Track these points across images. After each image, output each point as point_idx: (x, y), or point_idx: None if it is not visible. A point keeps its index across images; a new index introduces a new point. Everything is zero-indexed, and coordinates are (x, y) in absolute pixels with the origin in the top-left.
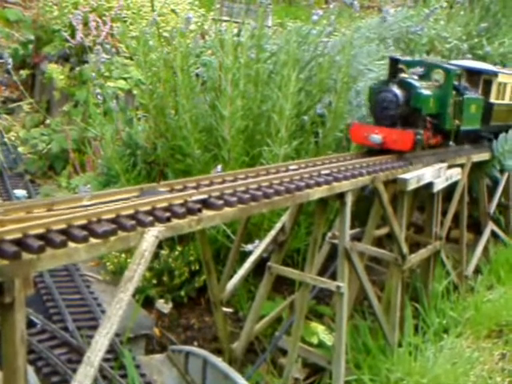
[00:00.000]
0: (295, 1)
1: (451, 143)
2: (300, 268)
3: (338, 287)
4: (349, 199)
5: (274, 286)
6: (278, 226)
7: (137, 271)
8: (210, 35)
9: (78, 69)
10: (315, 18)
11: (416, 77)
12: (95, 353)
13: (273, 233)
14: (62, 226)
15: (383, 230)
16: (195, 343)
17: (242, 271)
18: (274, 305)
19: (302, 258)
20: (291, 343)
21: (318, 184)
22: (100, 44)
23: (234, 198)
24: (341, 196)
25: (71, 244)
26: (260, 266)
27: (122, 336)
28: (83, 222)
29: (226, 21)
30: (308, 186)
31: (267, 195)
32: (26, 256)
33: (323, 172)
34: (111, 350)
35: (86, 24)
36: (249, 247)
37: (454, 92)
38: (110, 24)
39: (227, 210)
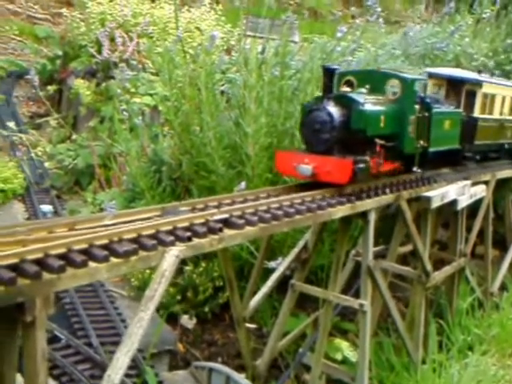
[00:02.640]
0: (322, 16)
1: (415, 169)
2: (324, 285)
3: (361, 305)
4: (372, 218)
5: (298, 302)
6: (301, 243)
7: (157, 290)
8: (236, 51)
9: (104, 84)
10: (339, 35)
11: (365, 90)
12: (116, 371)
13: (296, 250)
14: (84, 245)
15: (408, 247)
16: (219, 359)
17: (264, 289)
18: (297, 321)
19: (326, 274)
20: (315, 359)
21: (341, 203)
22: (126, 60)
23: (255, 217)
24: (364, 214)
25: (92, 263)
26: (284, 282)
27: (146, 352)
28: (104, 241)
29: (250, 36)
30: (330, 205)
31: (288, 214)
32: (46, 276)
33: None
34: (134, 366)
35: (112, 40)
36: (272, 264)
37: (416, 106)
38: (136, 40)
39: (248, 229)
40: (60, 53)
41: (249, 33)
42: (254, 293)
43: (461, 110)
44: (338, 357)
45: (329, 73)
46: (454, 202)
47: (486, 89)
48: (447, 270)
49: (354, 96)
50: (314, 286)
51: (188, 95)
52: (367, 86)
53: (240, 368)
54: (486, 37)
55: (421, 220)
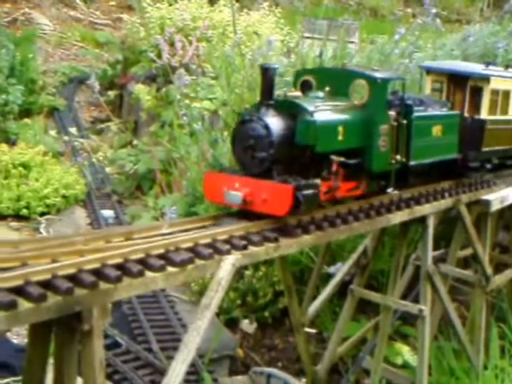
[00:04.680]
0: (382, 15)
1: (390, 190)
2: (385, 289)
3: (421, 310)
4: (431, 222)
5: (358, 307)
6: (361, 248)
7: (214, 298)
8: (295, 53)
9: (164, 89)
10: (397, 37)
11: (321, 93)
12: (172, 379)
13: (355, 256)
14: (140, 255)
15: (468, 251)
16: (279, 364)
17: (323, 295)
18: (358, 326)
19: (386, 279)
20: (375, 364)
21: (399, 208)
22: (185, 65)
23: (312, 226)
24: (422, 219)
25: (148, 273)
26: (345, 287)
27: (205, 357)
28: (161, 251)
29: (309, 37)
30: (388, 211)
31: (346, 221)
32: (103, 285)
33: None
34: (194, 371)
35: (172, 44)
36: (331, 270)
37: (390, 113)
38: (195, 44)
39: (305, 237)
40: (120, 58)
41: (307, 34)
42: (314, 298)
43: (457, 111)
44: (398, 361)
45: (268, 73)
46: None
47: (496, 84)
48: (508, 274)
49: (302, 102)
50: (375, 290)
51: (247, 99)
52: (327, 89)
53: (300, 373)
54: None
55: (480, 223)
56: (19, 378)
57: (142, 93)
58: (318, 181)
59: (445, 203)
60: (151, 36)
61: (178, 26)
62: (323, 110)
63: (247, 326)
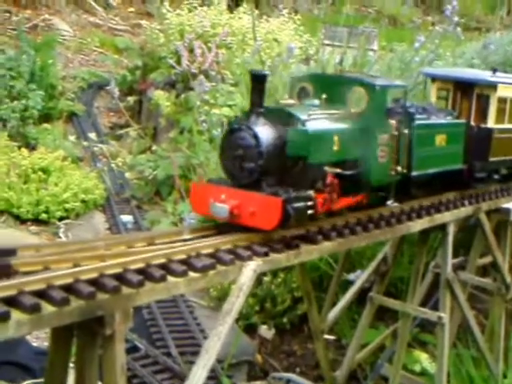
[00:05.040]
0: (401, 23)
1: (390, 202)
2: (404, 296)
3: (440, 318)
4: (451, 230)
5: (377, 314)
6: (380, 256)
7: (235, 305)
8: (315, 61)
9: (183, 96)
10: (417, 45)
11: (317, 101)
12: None
13: (375, 263)
14: (162, 260)
15: (488, 259)
16: (297, 370)
17: (343, 302)
18: (376, 333)
19: (405, 286)
20: (393, 371)
21: (419, 216)
22: (205, 71)
23: (333, 233)
24: (442, 227)
25: (170, 278)
26: (364, 294)
27: (224, 362)
28: (182, 256)
29: (329, 45)
30: (409, 218)
31: (366, 229)
32: (125, 290)
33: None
34: (213, 376)
35: (191, 51)
36: (351, 277)
37: (391, 121)
38: (215, 51)
39: (326, 244)
40: (140, 64)
41: (327, 42)
42: (333, 304)
43: (463, 120)
44: (417, 368)
45: (259, 79)
46: None
47: (504, 92)
48: None
49: (294, 110)
50: (394, 297)
51: None
52: (324, 96)
53: (318, 379)
54: None
55: (500, 231)
56: (39, 380)
57: (162, 99)
58: (311, 193)
59: (465, 211)
60: (170, 42)
61: (198, 32)
62: (317, 119)
63: (266, 331)
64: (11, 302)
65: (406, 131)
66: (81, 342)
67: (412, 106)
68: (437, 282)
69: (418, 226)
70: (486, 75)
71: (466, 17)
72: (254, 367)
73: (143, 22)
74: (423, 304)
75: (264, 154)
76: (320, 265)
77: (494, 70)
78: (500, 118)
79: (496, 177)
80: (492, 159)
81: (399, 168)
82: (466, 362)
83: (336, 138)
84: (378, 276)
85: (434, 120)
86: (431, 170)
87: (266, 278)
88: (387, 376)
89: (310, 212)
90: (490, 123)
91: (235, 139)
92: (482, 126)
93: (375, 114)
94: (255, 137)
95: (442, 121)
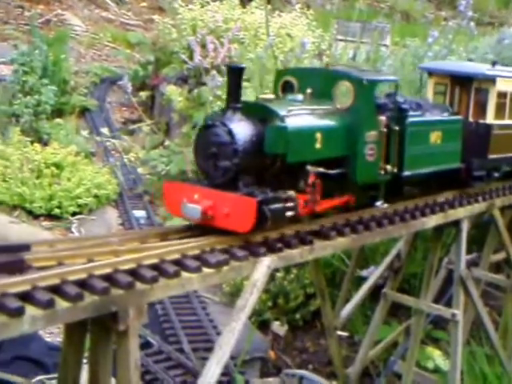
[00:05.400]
0: (414, 18)
1: (379, 203)
2: (417, 292)
3: (453, 315)
4: (465, 226)
5: (390, 310)
6: (394, 252)
7: (249, 301)
8: (327, 56)
9: (196, 91)
10: (430, 40)
11: (300, 97)
12: (207, 380)
13: (389, 259)
14: (176, 256)
15: (502, 255)
16: (310, 366)
17: (356, 298)
18: (389, 329)
19: (418, 282)
20: (406, 368)
21: (433, 211)
22: (217, 66)
23: (347, 228)
24: (456, 223)
25: (184, 274)
26: (377, 290)
27: (237, 359)
28: (196, 252)
29: (341, 40)
30: (423, 214)
31: (381, 224)
32: (139, 286)
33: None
34: (226, 373)
35: (203, 46)
36: (364, 273)
37: (380, 118)
38: (227, 46)
39: (340, 240)
40: (152, 59)
41: (340, 37)
42: (346, 301)
43: (460, 116)
44: (430, 365)
45: (235, 73)
46: None
47: (503, 85)
48: None
49: (272, 106)
50: (407, 293)
51: None
52: (309, 91)
53: (331, 375)
54: None
55: None
56: (52, 375)
57: (174, 94)
58: (291, 193)
59: (478, 207)
60: (183, 37)
61: (210, 27)
62: (298, 115)
63: (278, 328)
64: (25, 297)
65: (396, 128)
66: (94, 337)
67: (405, 102)
68: (450, 279)
69: (432, 221)
70: (484, 69)
71: (479, 11)
72: (266, 363)
73: (155, 17)
74: (436, 300)
75: (239, 151)
76: (333, 261)
77: (494, 63)
78: (500, 113)
79: (496, 175)
80: (491, 156)
81: (389, 167)
82: (479, 359)
83: (319, 135)
84: (392, 272)
85: (428, 116)
86: (425, 170)
87: (279, 274)
88: (400, 373)
89: (290, 214)
90: (489, 119)
91: (209, 136)
92: (481, 121)
93: (363, 109)
94: (230, 133)
95: (438, 117)
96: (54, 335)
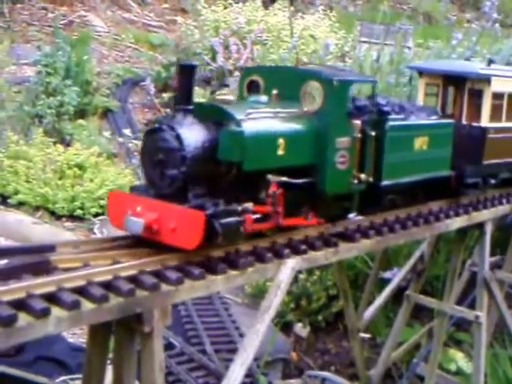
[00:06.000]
0: (436, 20)
1: (352, 216)
2: (439, 295)
3: (477, 317)
4: (488, 229)
5: (412, 312)
6: (417, 254)
7: (273, 302)
8: (350, 57)
9: (218, 92)
10: (454, 42)
11: (264, 98)
12: (231, 382)
13: (412, 261)
14: (201, 258)
15: None
16: (332, 368)
17: (379, 300)
18: (412, 331)
19: (441, 284)
20: (429, 370)
21: (457, 214)
22: (240, 68)
23: (372, 230)
24: (480, 225)
25: (209, 276)
26: (400, 292)
27: (260, 360)
28: (221, 254)
29: (365, 42)
30: (447, 216)
31: (405, 226)
32: (164, 287)
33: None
34: (249, 374)
35: (226, 47)
36: (387, 275)
37: (353, 122)
38: (250, 47)
39: (364, 242)
40: (174, 60)
41: (363, 39)
42: (369, 303)
43: (452, 120)
44: (452, 367)
45: (186, 72)
46: None
47: (499, 86)
48: None
49: (229, 108)
50: (430, 296)
51: None
52: (275, 92)
53: (353, 377)
54: None
55: None
56: (75, 376)
57: (197, 96)
58: (248, 205)
59: (502, 209)
60: (206, 39)
61: (233, 29)
62: (257, 119)
63: (300, 329)
64: (51, 298)
65: (372, 133)
66: (119, 338)
67: (387, 104)
68: (473, 281)
69: (456, 224)
70: (477, 68)
71: (502, 13)
72: (288, 365)
73: (178, 19)
74: (459, 303)
75: (188, 158)
76: (356, 263)
77: (490, 62)
78: (496, 115)
79: (493, 182)
80: (487, 162)
81: (363, 176)
82: (502, 361)
83: (281, 141)
84: (415, 274)
85: (412, 120)
86: (408, 179)
87: (302, 276)
88: (423, 375)
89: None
90: (484, 121)
91: (156, 141)
92: (475, 124)
93: (333, 113)
94: (178, 138)
95: (424, 121)
96: (76, 336)
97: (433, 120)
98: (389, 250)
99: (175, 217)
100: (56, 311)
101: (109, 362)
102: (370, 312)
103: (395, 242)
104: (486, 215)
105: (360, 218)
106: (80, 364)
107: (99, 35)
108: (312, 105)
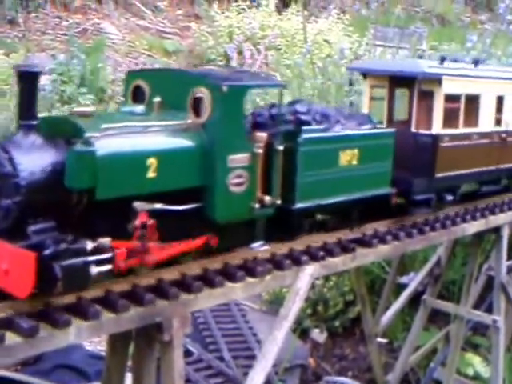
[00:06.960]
0: (449, 22)
1: (256, 245)
2: (456, 299)
3: (495, 321)
4: (505, 232)
5: (429, 316)
6: (434, 258)
7: (292, 309)
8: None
9: None
10: (469, 45)
11: (138, 109)
12: None
13: (428, 266)
14: (219, 265)
15: None
16: (349, 373)
17: (396, 305)
18: (429, 336)
19: (458, 288)
20: (447, 375)
21: (474, 218)
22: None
23: (389, 236)
24: (497, 229)
25: (228, 283)
26: (417, 297)
27: (278, 366)
28: (240, 261)
29: (379, 45)
30: (464, 221)
31: (422, 231)
32: (183, 296)
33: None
34: (267, 380)
35: (240, 53)
36: (404, 280)
37: (257, 134)
38: (264, 52)
39: (382, 247)
40: (189, 66)
41: (377, 42)
42: (386, 309)
43: (391, 129)
44: (470, 372)
45: (26, 80)
46: None
47: (453, 87)
48: None
49: (80, 123)
50: (446, 300)
51: None
52: (158, 99)
53: (371, 382)
54: None
55: None
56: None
57: None
58: (105, 241)
59: None
60: (219, 44)
61: (247, 34)
62: (117, 135)
63: (318, 335)
64: (71, 308)
65: (280, 148)
66: (138, 347)
67: (307, 113)
68: (490, 285)
69: (473, 228)
70: (426, 66)
71: None
72: (306, 371)
73: (192, 25)
74: (476, 307)
75: (24, 186)
76: (372, 268)
77: (442, 59)
78: (451, 120)
79: (450, 198)
80: (440, 175)
81: (268, 199)
82: None
83: (152, 161)
84: (432, 279)
85: (336, 131)
86: (332, 199)
87: (318, 282)
88: (440, 380)
89: (102, 269)
90: (436, 128)
91: None
92: (424, 132)
93: (224, 124)
94: (11, 162)
95: (351, 131)
96: (94, 344)
97: (365, 130)
98: (405, 255)
99: (7, 257)
100: (76, 321)
101: (127, 369)
102: (387, 317)
103: (412, 247)
104: (502, 219)
105: (266, 247)
106: (98, 371)
107: (113, 43)
108: (199, 115)
